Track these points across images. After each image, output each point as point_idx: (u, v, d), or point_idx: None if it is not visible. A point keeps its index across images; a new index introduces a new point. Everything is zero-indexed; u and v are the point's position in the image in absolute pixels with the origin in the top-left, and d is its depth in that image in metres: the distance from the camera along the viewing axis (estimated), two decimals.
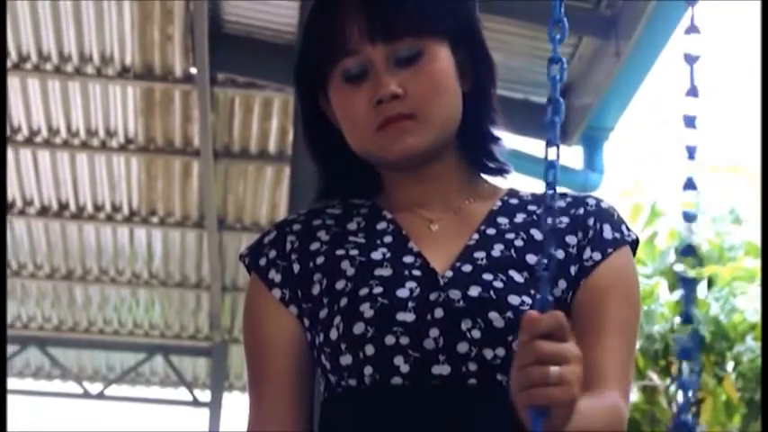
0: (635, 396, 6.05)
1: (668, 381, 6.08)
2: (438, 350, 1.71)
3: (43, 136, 7.79)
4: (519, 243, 1.80)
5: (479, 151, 1.87)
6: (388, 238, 1.82)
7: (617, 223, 1.83)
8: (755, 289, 5.93)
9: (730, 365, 6.02)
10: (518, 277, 1.75)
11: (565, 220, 1.82)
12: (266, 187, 8.24)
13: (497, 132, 1.87)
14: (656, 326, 6.08)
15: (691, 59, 1.25)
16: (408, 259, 1.79)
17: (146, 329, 10.48)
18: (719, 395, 5.95)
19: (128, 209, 8.60)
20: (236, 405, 10.79)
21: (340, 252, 1.81)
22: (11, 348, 10.50)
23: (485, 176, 1.89)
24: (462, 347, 1.71)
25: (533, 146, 6.02)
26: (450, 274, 1.76)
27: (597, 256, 1.79)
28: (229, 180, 8.20)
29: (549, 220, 1.46)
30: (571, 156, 6.57)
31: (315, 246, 1.84)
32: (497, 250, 1.78)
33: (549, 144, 1.46)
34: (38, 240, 9.13)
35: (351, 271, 1.78)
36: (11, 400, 10.01)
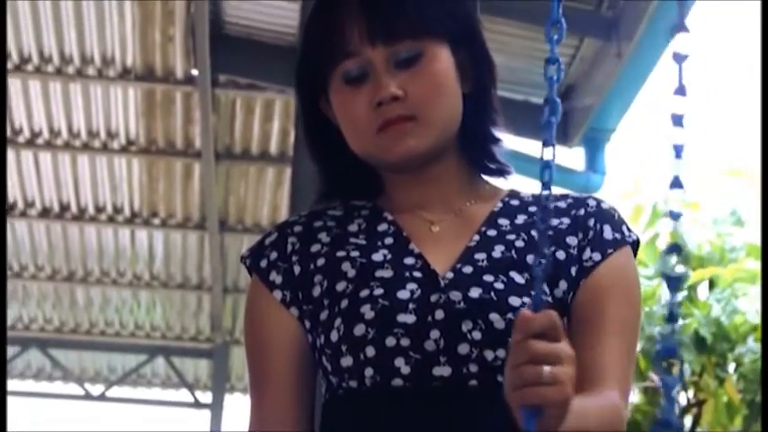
0: (636, 397, 6.04)
1: None
2: (439, 351, 1.71)
3: (44, 137, 7.79)
4: (520, 244, 1.80)
5: (480, 152, 1.87)
6: (388, 240, 1.82)
7: (617, 224, 1.83)
8: (757, 290, 5.91)
9: (731, 367, 6.00)
10: (519, 278, 1.75)
11: (566, 221, 1.82)
12: (267, 189, 8.24)
13: (498, 133, 1.87)
14: (657, 327, 6.07)
15: (679, 58, 1.25)
16: (409, 261, 1.79)
17: (147, 331, 10.47)
18: (721, 397, 5.93)
19: (129, 210, 8.60)
20: (238, 406, 10.79)
21: (341, 253, 1.82)
22: (12, 350, 10.49)
23: (485, 178, 1.89)
24: (463, 349, 1.71)
25: (534, 147, 6.02)
26: (450, 275, 1.76)
27: (597, 256, 1.79)
28: (231, 181, 8.19)
29: (544, 220, 1.46)
30: (573, 157, 6.57)
31: (316, 247, 1.84)
32: (498, 251, 1.78)
33: (545, 144, 1.46)
34: (39, 242, 9.12)
35: (351, 272, 1.78)
36: (12, 402, 10.01)
